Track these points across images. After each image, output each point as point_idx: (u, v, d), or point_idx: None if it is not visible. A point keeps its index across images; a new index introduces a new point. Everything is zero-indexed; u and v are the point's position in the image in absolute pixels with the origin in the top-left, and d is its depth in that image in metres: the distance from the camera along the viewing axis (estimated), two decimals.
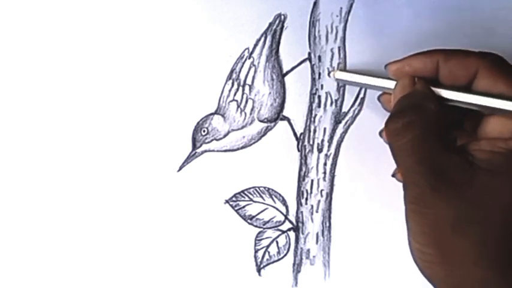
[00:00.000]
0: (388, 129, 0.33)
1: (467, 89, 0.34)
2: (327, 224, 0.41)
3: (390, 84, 0.36)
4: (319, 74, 0.40)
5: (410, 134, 0.32)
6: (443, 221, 0.31)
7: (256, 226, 0.41)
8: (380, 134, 0.39)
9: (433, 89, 0.34)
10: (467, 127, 0.36)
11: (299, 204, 0.41)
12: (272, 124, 0.41)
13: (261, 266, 0.41)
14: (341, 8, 0.40)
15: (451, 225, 0.31)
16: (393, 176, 0.38)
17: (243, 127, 0.41)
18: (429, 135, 0.32)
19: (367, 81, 0.37)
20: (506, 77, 0.33)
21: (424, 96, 0.34)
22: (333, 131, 0.41)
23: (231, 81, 0.40)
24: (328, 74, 0.40)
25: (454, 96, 0.34)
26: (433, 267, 0.32)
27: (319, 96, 0.40)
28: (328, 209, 0.41)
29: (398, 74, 0.35)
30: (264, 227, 0.41)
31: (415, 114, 0.33)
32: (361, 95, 0.40)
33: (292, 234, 0.41)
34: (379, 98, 0.39)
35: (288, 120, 0.41)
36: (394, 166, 0.36)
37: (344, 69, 0.40)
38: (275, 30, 0.40)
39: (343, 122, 0.41)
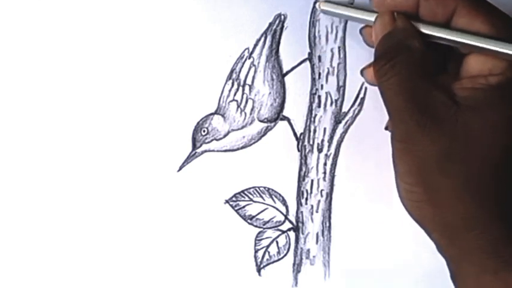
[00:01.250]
0: (376, 71, 0.34)
1: (446, 26, 0.34)
2: (327, 224, 0.41)
3: (373, 17, 0.36)
4: (319, 74, 0.40)
5: (397, 73, 0.33)
6: (429, 158, 0.32)
7: (256, 226, 0.41)
8: (361, 72, 0.39)
9: (413, 23, 0.35)
10: (451, 69, 0.36)
11: (299, 204, 0.41)
12: (272, 124, 0.41)
13: (261, 266, 0.41)
14: None
15: (436, 162, 0.32)
16: (386, 128, 0.38)
17: (243, 127, 0.41)
18: (415, 74, 0.33)
19: (350, 13, 0.37)
20: (483, 15, 0.33)
21: (406, 34, 0.34)
22: (333, 131, 0.41)
23: (231, 81, 0.40)
24: (314, 5, 0.40)
25: (433, 32, 0.34)
26: (421, 207, 0.33)
27: (319, 96, 0.40)
28: (328, 209, 0.41)
29: (380, 5, 0.36)
30: (264, 227, 0.41)
31: (400, 53, 0.34)
32: (361, 95, 0.40)
33: (292, 234, 0.41)
34: (361, 31, 0.39)
35: (288, 120, 0.41)
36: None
37: (330, 1, 0.39)
38: (275, 30, 0.40)
39: (343, 122, 0.41)
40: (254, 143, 0.41)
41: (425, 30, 0.35)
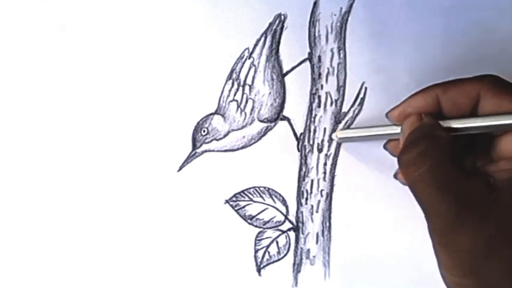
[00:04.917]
0: (403, 161, 0.32)
1: (472, 115, 0.33)
2: (327, 224, 0.41)
3: (395, 130, 0.35)
4: (319, 74, 0.40)
5: (426, 162, 0.31)
6: (475, 248, 0.30)
7: (256, 226, 0.41)
8: (395, 176, 0.38)
9: (441, 122, 0.33)
10: (480, 153, 0.35)
11: (299, 204, 0.41)
12: (272, 124, 0.41)
13: (261, 266, 0.41)
14: (341, 8, 0.40)
15: (484, 251, 0.30)
16: (395, 177, 0.38)
17: (243, 127, 0.41)
18: (446, 162, 0.31)
19: (372, 133, 0.37)
20: (509, 93, 0.32)
21: (433, 127, 0.33)
22: (333, 131, 0.41)
23: (231, 81, 0.40)
24: (330, 136, 0.40)
25: (464, 124, 0.33)
26: None
27: (319, 96, 0.41)
28: (328, 209, 0.41)
29: (402, 118, 0.35)
30: (264, 227, 0.41)
31: (428, 142, 0.32)
32: (361, 95, 0.40)
33: (292, 234, 0.41)
34: (385, 147, 0.38)
35: (288, 120, 0.41)
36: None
37: (345, 128, 0.40)
38: (275, 30, 0.40)
39: (343, 122, 0.41)
40: (254, 143, 0.41)
41: (455, 124, 0.33)
